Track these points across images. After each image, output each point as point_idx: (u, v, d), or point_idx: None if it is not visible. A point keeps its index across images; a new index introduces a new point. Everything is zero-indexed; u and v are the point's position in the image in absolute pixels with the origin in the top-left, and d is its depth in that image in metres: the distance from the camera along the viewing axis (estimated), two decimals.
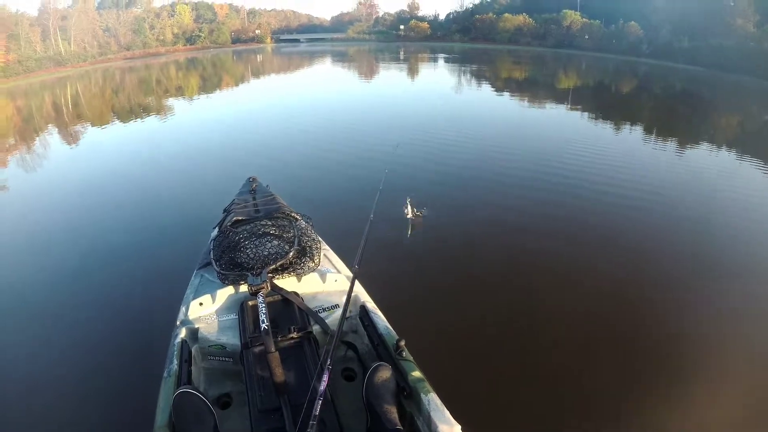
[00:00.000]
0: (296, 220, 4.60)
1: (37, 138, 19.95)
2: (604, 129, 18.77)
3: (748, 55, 44.04)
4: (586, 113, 21.93)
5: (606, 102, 27.25)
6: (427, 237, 8.09)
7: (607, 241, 8.20)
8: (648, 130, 18.53)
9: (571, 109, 23.43)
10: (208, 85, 38.40)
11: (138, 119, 22.48)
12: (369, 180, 10.14)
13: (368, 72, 43.20)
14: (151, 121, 21.70)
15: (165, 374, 3.09)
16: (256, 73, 46.96)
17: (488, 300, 6.19)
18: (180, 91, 34.40)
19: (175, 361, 3.15)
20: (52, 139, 19.51)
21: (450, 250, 7.67)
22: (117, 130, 20.36)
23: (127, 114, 24.50)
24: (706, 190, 11.42)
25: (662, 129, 18.96)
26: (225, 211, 5.12)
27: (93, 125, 21.86)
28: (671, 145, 16.30)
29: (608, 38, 68.01)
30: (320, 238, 4.51)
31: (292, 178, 10.84)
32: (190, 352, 3.30)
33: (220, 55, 77.71)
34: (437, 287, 6.48)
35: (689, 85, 38.86)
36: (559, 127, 18.41)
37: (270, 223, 4.34)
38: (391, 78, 37.54)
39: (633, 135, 17.73)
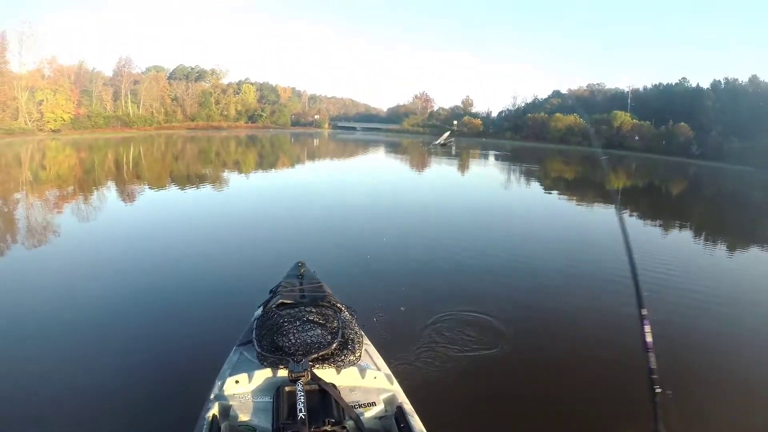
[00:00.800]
0: (341, 310, 4.49)
1: (95, 190, 20.61)
2: (652, 230, 18.68)
3: None
4: (634, 214, 21.86)
5: (654, 203, 27.18)
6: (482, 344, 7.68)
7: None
8: (697, 233, 18.52)
9: (620, 210, 23.18)
10: (264, 163, 39.13)
11: (194, 187, 22.77)
12: (411, 278, 10.23)
13: (419, 165, 43.55)
14: (206, 191, 22.00)
15: None
16: (312, 156, 47.79)
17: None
18: (237, 166, 35.10)
19: None
20: (108, 193, 20.07)
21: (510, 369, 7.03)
22: (172, 195, 20.70)
23: (184, 180, 24.81)
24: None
25: (711, 231, 18.98)
26: (271, 291, 5.07)
27: (150, 187, 22.34)
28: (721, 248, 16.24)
29: (658, 139, 68.92)
30: (363, 333, 4.42)
31: (341, 267, 10.29)
32: (219, 429, 3.24)
33: (279, 135, 79.84)
34: (484, 401, 6.08)
35: (739, 185, 38.85)
36: (607, 227, 18.35)
37: (315, 310, 4.27)
38: (442, 172, 37.69)
39: (683, 236, 17.68)
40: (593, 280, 11.17)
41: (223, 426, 3.25)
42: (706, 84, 75.57)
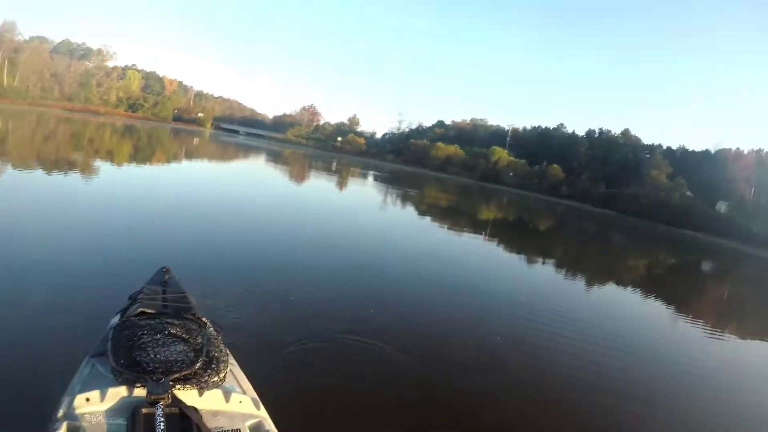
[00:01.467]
0: (206, 325, 4.14)
1: None
2: (515, 261, 19.68)
3: (659, 203, 49.95)
4: (501, 245, 22.99)
5: (520, 236, 28.67)
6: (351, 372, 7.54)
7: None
8: (558, 266, 19.75)
9: (488, 239, 24.30)
10: (139, 156, 37.42)
11: (60, 173, 21.48)
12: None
13: (299, 177, 43.59)
14: (73, 179, 20.73)
15: None
16: (190, 156, 46.03)
17: None
18: (110, 155, 33.67)
19: None
20: None
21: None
22: (34, 178, 19.41)
23: (51, 165, 23.72)
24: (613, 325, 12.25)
25: (571, 265, 20.41)
26: (130, 298, 4.60)
27: (12, 167, 21.22)
28: (579, 281, 17.60)
29: (531, 177, 73.43)
30: (228, 351, 4.07)
31: (208, 277, 9.60)
32: None
33: (158, 129, 77.38)
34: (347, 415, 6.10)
35: (601, 227, 42.29)
36: (473, 254, 19.12)
37: (178, 323, 3.94)
38: (320, 187, 37.50)
39: (545, 269, 18.75)
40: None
41: None
42: (581, 131, 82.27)
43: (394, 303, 10.59)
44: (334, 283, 11.61)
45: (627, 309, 14.86)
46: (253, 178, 36.76)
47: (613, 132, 78.84)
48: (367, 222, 23.51)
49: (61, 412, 3.04)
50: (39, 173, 20.48)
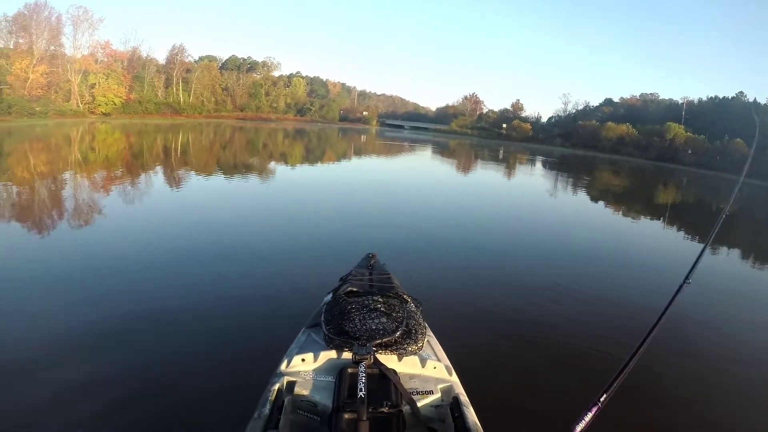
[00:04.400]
0: (407, 301, 4.62)
1: (142, 174, 20.91)
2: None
3: None
4: (681, 232, 21.30)
5: (703, 222, 26.35)
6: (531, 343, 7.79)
7: None
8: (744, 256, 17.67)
9: (667, 226, 22.75)
10: (311, 157, 39.29)
11: (240, 176, 23.10)
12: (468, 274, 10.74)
13: (466, 168, 43.12)
14: (253, 180, 22.32)
15: (255, 415, 3.18)
16: (358, 153, 47.61)
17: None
18: (284, 158, 35.52)
19: (268, 406, 3.23)
20: (156, 178, 20.43)
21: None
22: (218, 183, 20.95)
23: (231, 169, 25.26)
24: None
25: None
26: (341, 279, 5.26)
27: (197, 173, 22.68)
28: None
29: (712, 154, 66.74)
30: (426, 324, 4.54)
31: (409, 261, 10.66)
32: (282, 402, 3.38)
33: (326, 129, 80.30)
34: (531, 384, 6.48)
35: None
36: (649, 241, 17.88)
37: (382, 299, 4.40)
38: (488, 178, 36.85)
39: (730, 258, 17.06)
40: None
41: (286, 399, 3.42)
42: (763, 99, 73.58)
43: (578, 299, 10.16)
44: (521, 270, 11.96)
45: None
46: (427, 171, 37.01)
47: None
48: (543, 212, 22.78)
49: (281, 368, 3.69)
50: (220, 179, 21.77)
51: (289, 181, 23.15)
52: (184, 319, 7.15)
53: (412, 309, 4.50)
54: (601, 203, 28.50)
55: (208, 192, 18.09)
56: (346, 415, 3.07)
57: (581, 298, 10.05)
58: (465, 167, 43.55)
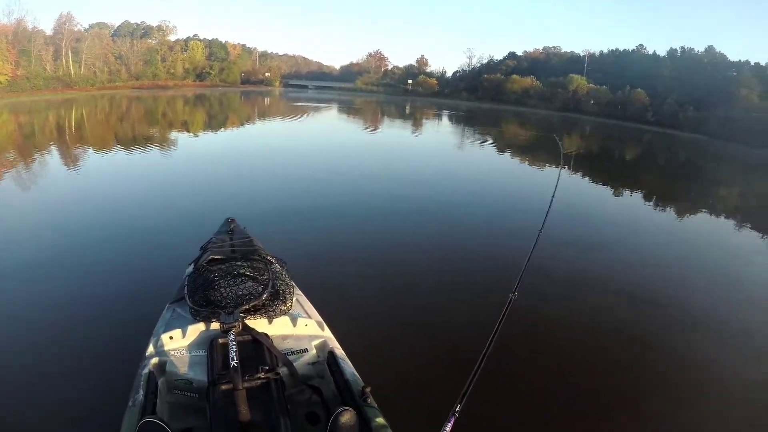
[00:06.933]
0: (271, 263, 4.65)
1: (36, 156, 19.74)
2: (600, 192, 18.96)
3: (752, 125, 45.33)
4: (586, 178, 22.01)
5: (603, 167, 27.38)
6: (399, 287, 8.23)
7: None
8: (647, 198, 18.78)
9: (572, 172, 23.15)
10: (213, 123, 38.58)
11: (139, 149, 22.41)
12: (341, 228, 11.15)
13: (372, 125, 43.14)
14: (152, 153, 21.80)
15: (130, 403, 3.09)
16: (262, 116, 47.30)
17: (458, 346, 5.97)
18: (184, 126, 34.62)
19: (141, 392, 3.15)
20: (50, 158, 19.30)
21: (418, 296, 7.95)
22: (116, 158, 20.22)
23: (129, 143, 24.47)
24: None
25: (661, 197, 19.24)
26: (201, 248, 5.19)
27: (94, 150, 21.84)
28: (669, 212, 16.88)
29: (614, 104, 69.31)
30: (293, 283, 4.59)
31: (271, 222, 10.70)
32: (156, 384, 3.31)
33: (228, 93, 78.62)
34: (405, 334, 6.63)
35: (693, 154, 40.03)
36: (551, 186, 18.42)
37: (245, 264, 4.42)
38: (393, 135, 36.97)
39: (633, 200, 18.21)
40: None
41: (160, 381, 3.37)
42: (662, 52, 76.20)
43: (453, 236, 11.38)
44: (395, 219, 12.60)
45: None
46: (326, 131, 37.01)
47: (696, 50, 72.12)
48: (440, 164, 23.35)
49: (149, 351, 3.63)
50: (118, 154, 21.10)
51: (171, 153, 22.38)
52: (29, 316, 6.57)
53: (278, 270, 4.57)
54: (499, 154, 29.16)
55: (86, 173, 17.02)
56: (223, 387, 3.09)
57: (453, 245, 10.71)
58: (368, 124, 44.01)
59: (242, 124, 38.81)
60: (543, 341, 6.66)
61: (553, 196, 6.10)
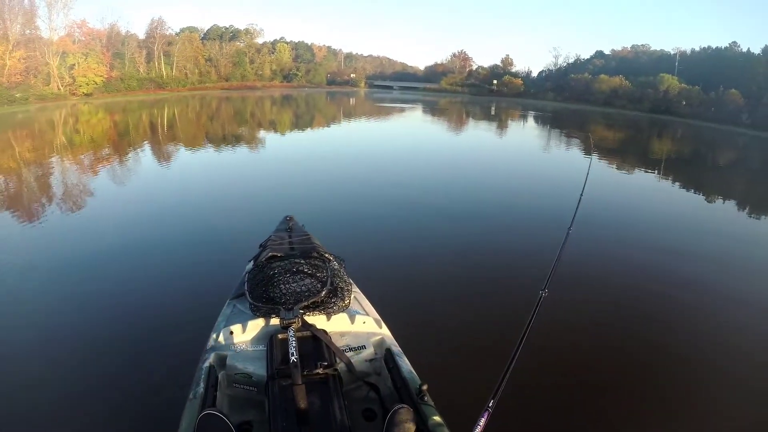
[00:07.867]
0: (329, 261, 4.65)
1: (130, 153, 20.83)
2: (694, 202, 17.95)
3: None
4: (676, 183, 21.04)
5: (698, 175, 25.97)
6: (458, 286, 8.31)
7: None
8: (741, 207, 17.50)
9: (661, 178, 22.33)
10: (300, 123, 39.38)
11: (227, 147, 23.37)
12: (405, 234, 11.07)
13: (456, 126, 42.76)
14: (233, 152, 22.58)
15: (190, 396, 3.17)
16: (348, 116, 47.77)
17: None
18: (272, 126, 35.58)
19: (202, 385, 3.23)
20: (143, 155, 20.40)
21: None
22: (199, 156, 21.18)
23: (219, 141, 25.42)
24: None
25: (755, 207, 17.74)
26: (261, 246, 5.30)
27: (185, 148, 22.93)
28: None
29: (707, 105, 65.48)
30: (351, 281, 4.59)
31: (331, 221, 10.96)
32: (216, 378, 3.40)
33: (314, 94, 79.87)
34: (468, 336, 6.65)
35: None
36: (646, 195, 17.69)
37: (304, 261, 4.44)
38: (479, 136, 36.43)
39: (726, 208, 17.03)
40: None
41: (220, 375, 3.47)
42: (757, 49, 71.16)
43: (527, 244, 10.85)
44: (456, 222, 12.35)
45: None
46: (410, 131, 36.97)
47: None
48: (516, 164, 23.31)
49: (209, 345, 3.73)
50: (208, 151, 21.72)
51: (245, 153, 23.02)
52: (101, 306, 7.00)
53: (336, 267, 4.56)
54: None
55: (168, 171, 17.93)
56: (282, 382, 3.12)
57: (504, 248, 10.59)
58: (453, 125, 43.78)
59: (328, 125, 39.28)
60: (572, 339, 6.63)
61: (581, 194, 5.72)
